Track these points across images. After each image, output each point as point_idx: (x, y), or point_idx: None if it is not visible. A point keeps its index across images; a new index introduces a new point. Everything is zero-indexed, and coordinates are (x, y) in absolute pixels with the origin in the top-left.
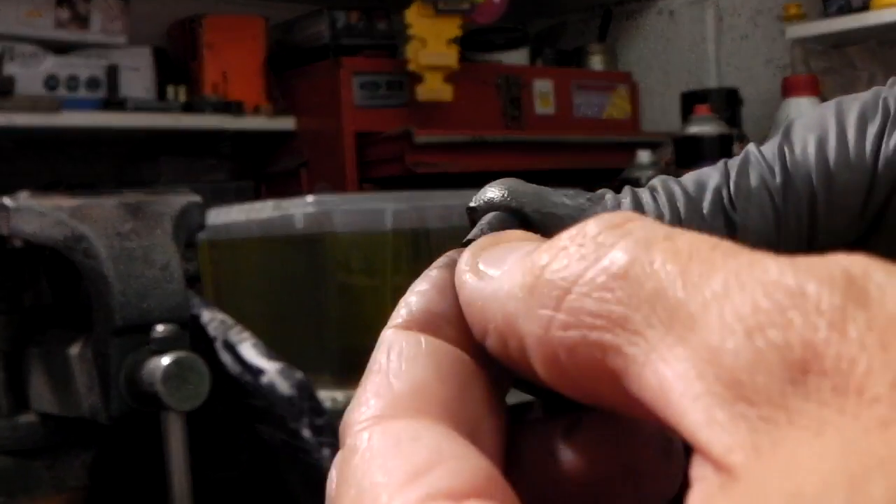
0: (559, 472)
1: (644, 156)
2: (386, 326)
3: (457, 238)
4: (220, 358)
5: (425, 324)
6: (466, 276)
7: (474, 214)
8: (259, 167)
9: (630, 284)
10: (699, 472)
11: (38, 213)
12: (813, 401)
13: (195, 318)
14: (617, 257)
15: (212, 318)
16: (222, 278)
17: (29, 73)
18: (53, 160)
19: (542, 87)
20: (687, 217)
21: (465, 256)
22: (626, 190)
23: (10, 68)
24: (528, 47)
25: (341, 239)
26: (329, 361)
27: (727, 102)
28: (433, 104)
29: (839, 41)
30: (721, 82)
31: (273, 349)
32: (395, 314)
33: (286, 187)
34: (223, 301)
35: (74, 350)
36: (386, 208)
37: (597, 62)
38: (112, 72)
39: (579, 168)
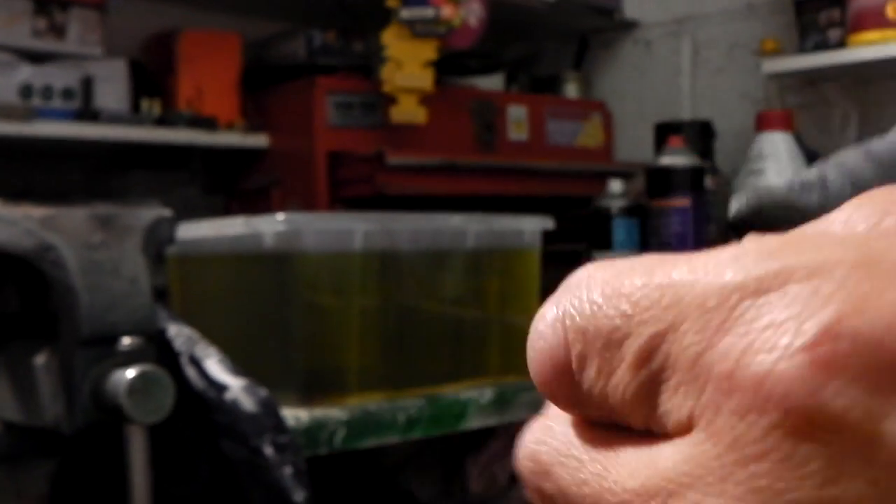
0: None
1: (616, 185)
2: None
3: (429, 260)
4: (185, 372)
5: None
6: None
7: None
8: (230, 183)
9: None
10: None
11: (7, 222)
12: None
13: (161, 332)
14: None
15: (178, 333)
16: (190, 293)
17: (3, 82)
18: (25, 169)
19: (516, 113)
20: None
21: None
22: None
23: None
24: (503, 73)
25: (310, 258)
26: (294, 380)
27: (700, 135)
28: (407, 126)
29: (814, 77)
30: (695, 114)
31: (239, 366)
32: None
33: (257, 204)
34: (190, 316)
35: (40, 360)
36: (356, 229)
37: (571, 90)
38: (87, 83)
39: (550, 195)
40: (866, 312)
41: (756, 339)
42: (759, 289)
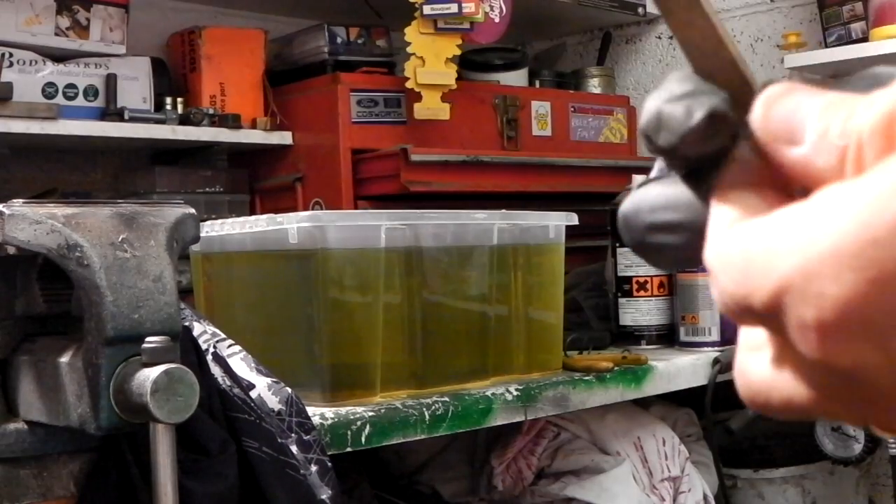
0: None
1: (639, 180)
2: None
3: (454, 256)
4: (210, 371)
5: None
6: None
7: None
8: (254, 181)
9: None
10: None
11: (32, 221)
12: None
13: (186, 330)
14: None
15: (203, 331)
16: (214, 291)
17: (27, 80)
18: (49, 168)
19: (540, 109)
20: None
21: None
22: None
23: (9, 75)
24: (526, 68)
25: (334, 255)
26: (319, 377)
27: None
28: (430, 122)
29: (837, 71)
30: None
31: (263, 364)
32: None
33: (281, 202)
34: (215, 314)
35: (65, 359)
36: (380, 225)
37: (595, 85)
38: (110, 81)
39: (574, 191)
40: None
41: None
42: None
